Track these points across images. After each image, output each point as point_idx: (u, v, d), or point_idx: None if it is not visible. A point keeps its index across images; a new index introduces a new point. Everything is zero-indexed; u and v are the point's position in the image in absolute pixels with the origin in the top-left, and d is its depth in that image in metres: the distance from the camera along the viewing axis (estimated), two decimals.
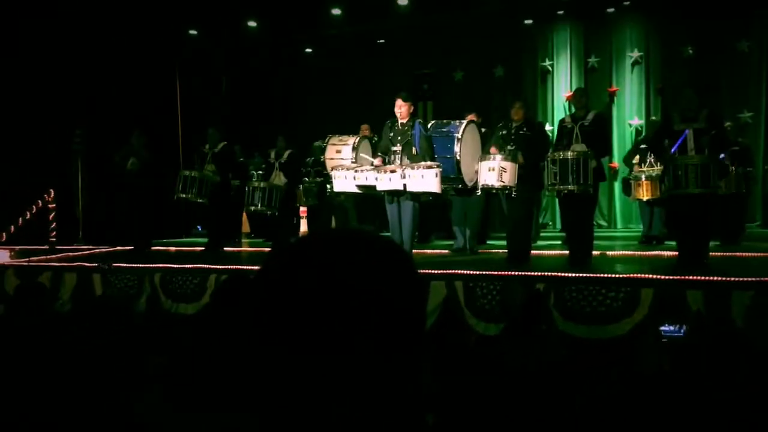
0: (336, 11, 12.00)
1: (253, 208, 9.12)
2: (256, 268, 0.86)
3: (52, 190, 10.36)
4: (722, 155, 7.50)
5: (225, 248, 9.03)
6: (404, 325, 0.78)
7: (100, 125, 10.64)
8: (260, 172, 10.26)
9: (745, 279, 5.28)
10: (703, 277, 5.46)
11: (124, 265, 7.28)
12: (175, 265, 7.08)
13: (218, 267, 6.96)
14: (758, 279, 5.23)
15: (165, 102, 12.18)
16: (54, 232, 10.27)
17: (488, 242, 9.19)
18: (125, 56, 10.92)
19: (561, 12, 12.35)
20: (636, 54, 12.15)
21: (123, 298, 6.84)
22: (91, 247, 9.71)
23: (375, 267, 0.78)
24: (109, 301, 6.65)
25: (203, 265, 7.06)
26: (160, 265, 7.23)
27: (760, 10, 11.23)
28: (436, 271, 6.17)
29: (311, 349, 0.74)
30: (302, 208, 10.55)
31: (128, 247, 9.10)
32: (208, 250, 8.73)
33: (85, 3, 10.40)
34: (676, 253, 6.49)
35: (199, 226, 12.44)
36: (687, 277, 5.53)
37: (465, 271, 6.13)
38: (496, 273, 6.05)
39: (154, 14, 10.88)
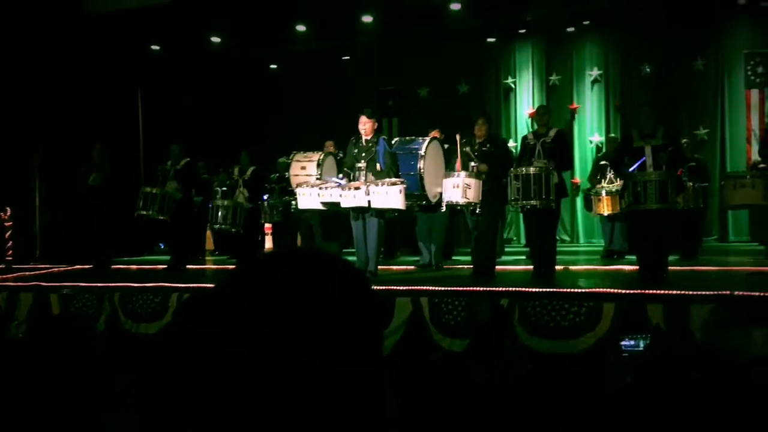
0: (301, 28, 12.00)
1: (217, 226, 9.02)
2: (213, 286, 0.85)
3: (8, 207, 10.10)
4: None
5: (188, 266, 8.89)
6: (358, 345, 0.78)
7: (59, 142, 10.44)
8: (224, 188, 10.15)
9: (704, 293, 5.39)
10: (662, 291, 5.56)
11: (83, 284, 7.11)
12: (135, 284, 6.94)
13: (180, 285, 6.85)
14: (716, 292, 5.34)
15: (126, 118, 12.01)
16: (10, 251, 10.00)
17: (453, 258, 9.22)
18: (85, 71, 10.74)
19: (523, 31, 12.55)
20: (595, 72, 12.40)
21: (82, 319, 6.67)
22: (49, 265, 9.48)
23: (331, 288, 0.78)
24: (67, 321, 6.48)
25: (165, 284, 6.93)
26: (120, 284, 7.08)
27: (715, 29, 11.58)
28: (401, 288, 6.16)
29: (262, 366, 0.74)
30: (267, 225, 10.46)
31: (87, 266, 8.90)
32: (170, 268, 8.59)
33: (44, 19, 10.23)
34: (637, 267, 6.60)
35: (161, 244, 12.24)
36: (647, 291, 5.63)
37: (430, 287, 6.14)
38: (461, 289, 6.07)
39: (115, 30, 10.74)
